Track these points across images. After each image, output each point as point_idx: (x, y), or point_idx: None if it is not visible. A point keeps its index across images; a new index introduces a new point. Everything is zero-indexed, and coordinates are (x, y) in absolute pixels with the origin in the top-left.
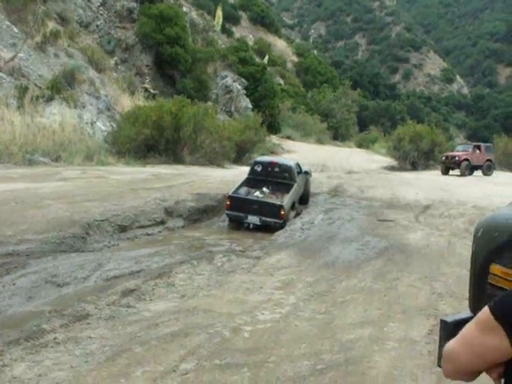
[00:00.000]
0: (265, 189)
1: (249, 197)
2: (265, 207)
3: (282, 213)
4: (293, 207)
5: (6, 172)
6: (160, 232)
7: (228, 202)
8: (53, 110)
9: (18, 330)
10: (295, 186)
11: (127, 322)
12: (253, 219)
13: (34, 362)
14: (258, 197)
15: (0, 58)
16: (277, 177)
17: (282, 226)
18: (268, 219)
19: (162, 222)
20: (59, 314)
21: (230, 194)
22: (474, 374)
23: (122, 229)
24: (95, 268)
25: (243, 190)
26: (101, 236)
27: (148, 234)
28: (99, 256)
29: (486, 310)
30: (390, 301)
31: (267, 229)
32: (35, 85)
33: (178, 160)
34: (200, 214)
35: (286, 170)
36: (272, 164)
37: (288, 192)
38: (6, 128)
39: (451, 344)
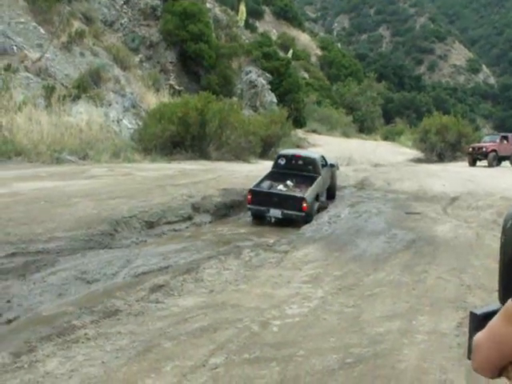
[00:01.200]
0: (289, 182)
1: (270, 190)
2: (286, 200)
3: (304, 205)
4: (317, 199)
5: (35, 171)
6: (187, 228)
7: (249, 196)
8: (79, 108)
9: (50, 326)
10: (319, 178)
11: (156, 317)
12: (275, 213)
13: (65, 358)
14: (280, 190)
15: (27, 59)
16: (301, 170)
17: (307, 221)
18: (290, 212)
19: (189, 218)
20: (89, 310)
21: (251, 187)
22: (493, 371)
23: (150, 225)
24: (124, 264)
25: (266, 184)
26: (129, 232)
27: (175, 230)
28: (127, 252)
29: (509, 301)
30: (418, 294)
31: (294, 223)
32: (62, 84)
33: (204, 156)
34: (227, 209)
35: (310, 162)
36: (296, 157)
37: (312, 185)
38: (34, 128)
39: (477, 336)
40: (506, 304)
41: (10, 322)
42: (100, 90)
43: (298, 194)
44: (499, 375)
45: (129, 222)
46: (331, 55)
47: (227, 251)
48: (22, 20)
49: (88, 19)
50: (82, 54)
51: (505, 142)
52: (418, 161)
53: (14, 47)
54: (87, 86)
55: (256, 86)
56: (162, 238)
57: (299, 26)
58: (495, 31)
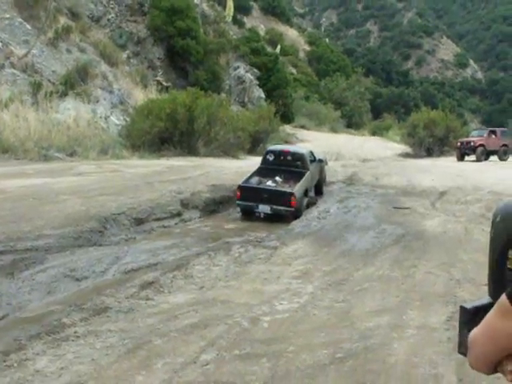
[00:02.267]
0: (277, 178)
1: (259, 186)
2: (275, 196)
3: (293, 200)
4: (306, 195)
5: (22, 168)
6: (176, 224)
7: (238, 192)
8: (67, 105)
9: (39, 324)
10: (308, 173)
11: (146, 314)
12: (264, 208)
13: (55, 356)
14: (269, 186)
15: (13, 55)
16: (289, 165)
17: (296, 216)
18: (279, 207)
19: (178, 214)
20: (79, 307)
21: (240, 183)
22: (489, 366)
23: (139, 222)
24: (113, 261)
25: (255, 180)
26: (118, 229)
27: (164, 227)
28: (116, 249)
29: (503, 296)
30: (407, 288)
31: (283, 218)
32: (49, 81)
33: (192, 152)
34: (216, 205)
35: (298, 158)
36: (284, 152)
37: (301, 180)
38: (21, 124)
39: (473, 332)
40: (500, 299)
41: None
42: (87, 87)
43: (286, 189)
44: (495, 370)
45: (117, 219)
46: (319, 50)
47: (217, 247)
48: (8, 16)
49: (74, 15)
50: (68, 50)
51: (493, 136)
52: (407, 156)
53: (0, 43)
54: (74, 83)
55: (244, 81)
56: (151, 234)
57: (287, 21)
58: (482, 26)
